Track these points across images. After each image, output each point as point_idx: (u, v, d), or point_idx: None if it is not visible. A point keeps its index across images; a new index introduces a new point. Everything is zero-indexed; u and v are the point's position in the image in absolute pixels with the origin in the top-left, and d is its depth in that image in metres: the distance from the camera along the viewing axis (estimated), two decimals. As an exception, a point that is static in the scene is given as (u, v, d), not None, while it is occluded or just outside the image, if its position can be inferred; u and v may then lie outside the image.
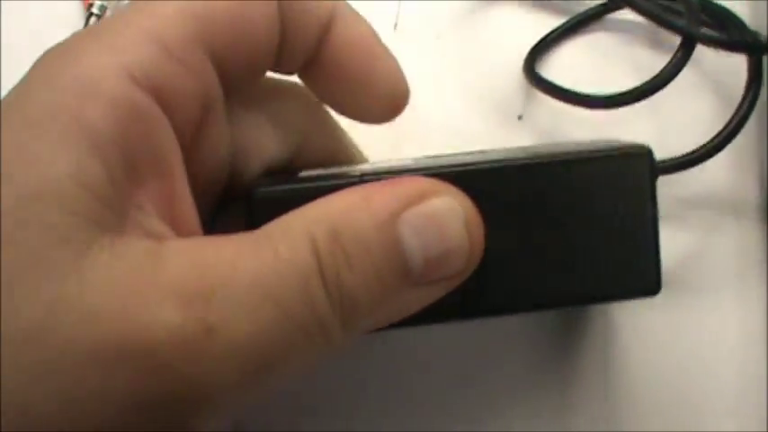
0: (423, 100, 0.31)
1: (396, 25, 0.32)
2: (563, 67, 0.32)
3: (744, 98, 0.29)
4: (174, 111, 0.18)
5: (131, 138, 0.17)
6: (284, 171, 0.22)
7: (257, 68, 0.21)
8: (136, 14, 0.19)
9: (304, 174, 0.21)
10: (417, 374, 0.27)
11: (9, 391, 0.15)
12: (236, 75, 0.20)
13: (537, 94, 0.31)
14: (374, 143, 0.27)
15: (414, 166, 0.21)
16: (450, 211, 0.19)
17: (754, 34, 0.30)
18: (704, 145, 0.28)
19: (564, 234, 0.21)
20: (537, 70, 0.31)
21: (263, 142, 0.22)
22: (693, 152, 0.28)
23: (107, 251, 0.16)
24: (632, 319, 0.28)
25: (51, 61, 0.18)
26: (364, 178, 0.20)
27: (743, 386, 0.28)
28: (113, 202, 0.17)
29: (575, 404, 0.27)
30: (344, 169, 0.21)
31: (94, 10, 0.31)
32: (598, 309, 0.28)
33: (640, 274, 0.21)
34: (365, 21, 0.22)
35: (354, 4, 0.31)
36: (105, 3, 0.31)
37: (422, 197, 0.19)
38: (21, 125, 0.17)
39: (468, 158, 0.22)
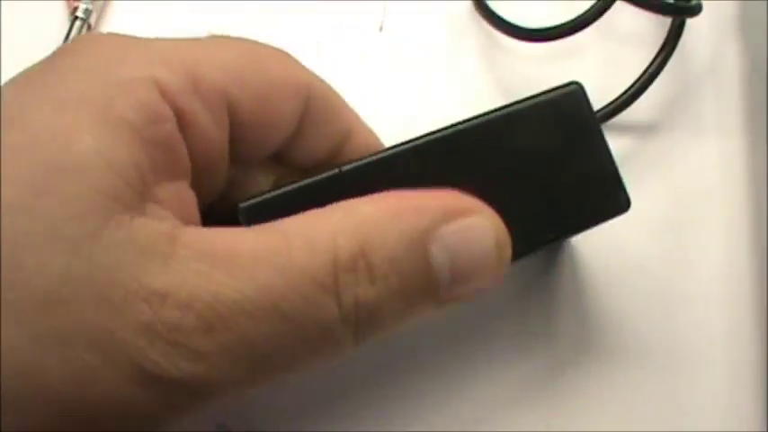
0: (408, 102, 0.31)
1: (381, 27, 0.32)
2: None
3: (660, 51, 0.30)
4: (189, 135, 0.19)
5: (154, 138, 0.18)
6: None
7: (264, 147, 0.22)
8: (184, 45, 0.20)
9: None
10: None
11: (21, 358, 0.15)
12: (245, 142, 0.21)
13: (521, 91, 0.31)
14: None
15: (378, 151, 0.21)
16: (482, 230, 0.19)
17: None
18: (620, 95, 0.30)
19: (534, 179, 0.22)
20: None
21: (258, 179, 0.23)
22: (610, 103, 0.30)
23: (125, 229, 0.16)
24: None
25: (89, 53, 0.19)
26: (343, 169, 0.20)
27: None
28: (136, 184, 0.17)
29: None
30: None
31: (79, 14, 0.31)
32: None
33: (610, 195, 0.23)
34: (375, 134, 0.24)
35: (340, 6, 0.32)
36: (90, 6, 0.31)
37: (455, 214, 0.19)
38: (51, 104, 0.17)
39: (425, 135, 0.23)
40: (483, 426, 0.27)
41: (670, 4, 0.29)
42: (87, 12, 0.31)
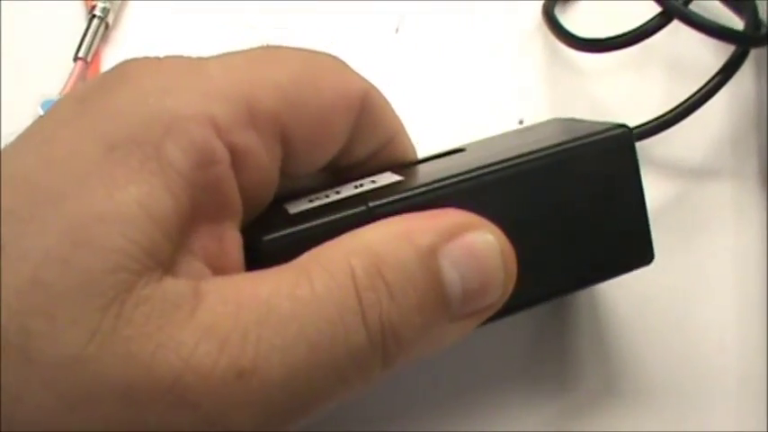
0: (424, 103, 0.31)
1: (397, 29, 0.32)
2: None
3: (711, 79, 0.28)
4: (242, 171, 0.19)
5: (203, 182, 0.18)
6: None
7: (314, 164, 0.22)
8: (239, 67, 0.19)
9: (292, 209, 0.21)
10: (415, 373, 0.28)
11: (45, 416, 0.15)
12: (295, 162, 0.21)
13: (538, 96, 0.31)
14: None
15: (410, 186, 0.21)
16: (487, 244, 0.19)
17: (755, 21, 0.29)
18: (662, 114, 0.28)
19: (564, 224, 0.21)
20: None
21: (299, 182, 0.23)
22: (652, 120, 0.29)
23: (152, 286, 0.16)
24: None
25: (138, 83, 0.18)
26: (370, 205, 0.20)
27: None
28: (175, 236, 0.17)
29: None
30: (332, 197, 0.21)
31: (97, 12, 0.31)
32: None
33: (635, 248, 0.22)
34: (412, 143, 0.24)
35: (357, 7, 0.32)
36: (108, 5, 0.31)
37: (460, 231, 0.19)
38: (99, 146, 0.17)
39: (457, 164, 0.22)
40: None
41: (732, 31, 0.27)
42: (105, 10, 0.31)
